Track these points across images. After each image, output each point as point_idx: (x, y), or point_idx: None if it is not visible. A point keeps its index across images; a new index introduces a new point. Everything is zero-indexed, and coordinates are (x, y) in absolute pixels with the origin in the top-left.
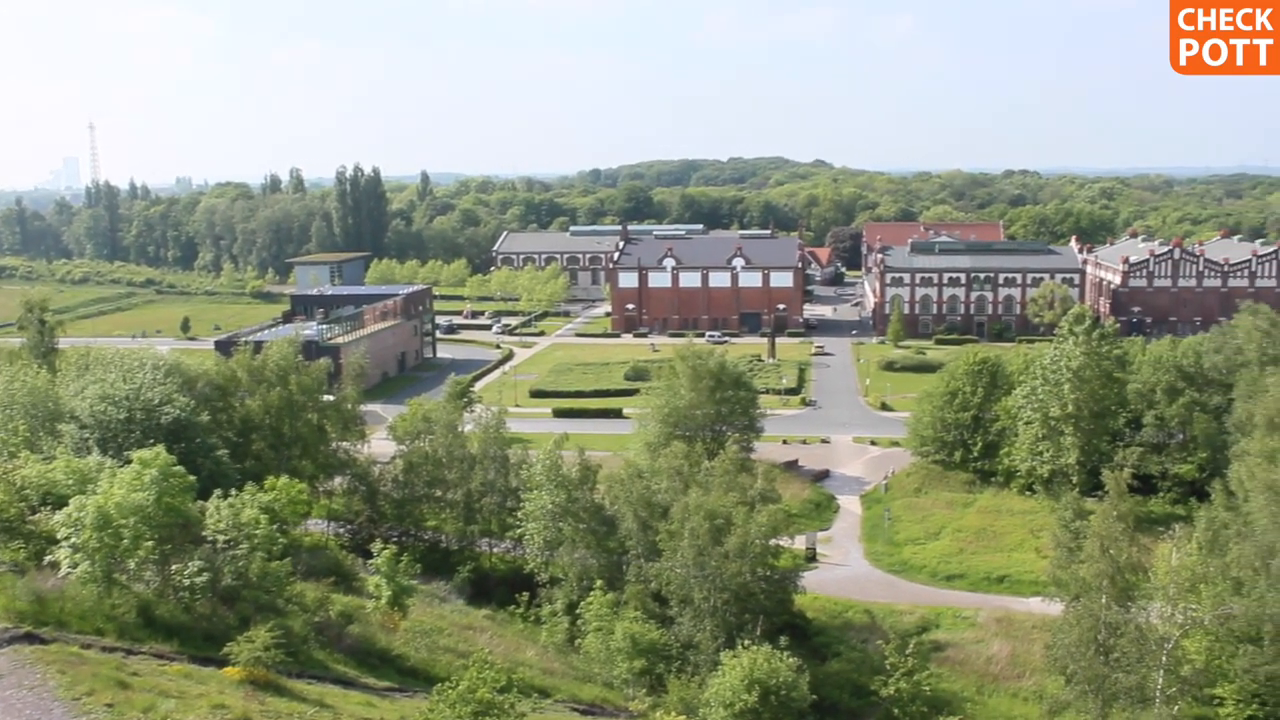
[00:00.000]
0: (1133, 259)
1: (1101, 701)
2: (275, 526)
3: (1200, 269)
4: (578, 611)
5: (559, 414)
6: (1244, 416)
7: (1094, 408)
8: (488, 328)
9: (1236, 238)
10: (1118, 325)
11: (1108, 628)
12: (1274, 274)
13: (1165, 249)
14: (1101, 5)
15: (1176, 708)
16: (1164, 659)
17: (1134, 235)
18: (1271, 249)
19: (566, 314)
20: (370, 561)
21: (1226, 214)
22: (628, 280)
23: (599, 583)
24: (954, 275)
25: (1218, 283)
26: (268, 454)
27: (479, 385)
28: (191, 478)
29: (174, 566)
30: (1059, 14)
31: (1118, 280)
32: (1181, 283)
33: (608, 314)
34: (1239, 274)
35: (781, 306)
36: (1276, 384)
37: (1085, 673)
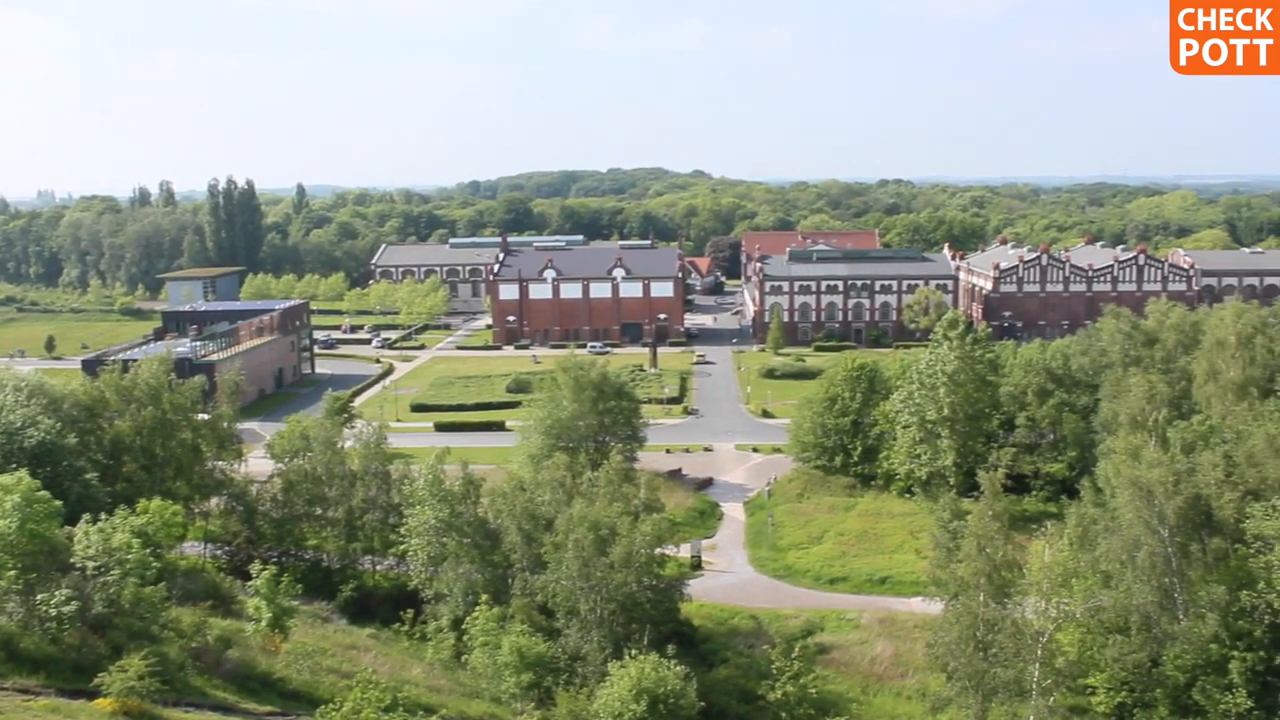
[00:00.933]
0: (1003, 265)
1: (981, 696)
2: (149, 550)
3: (1067, 274)
4: (463, 627)
5: (441, 428)
6: (1109, 416)
7: (969, 410)
8: (367, 342)
9: (1099, 244)
10: (990, 330)
11: (986, 624)
12: (1134, 278)
13: (1033, 255)
14: (970, 18)
15: (1052, 699)
16: (1039, 652)
17: (1004, 242)
18: (1131, 255)
19: (447, 327)
20: (249, 583)
21: (1090, 221)
22: (508, 292)
23: (484, 597)
24: (832, 283)
25: (1083, 287)
26: (140, 476)
27: (359, 400)
28: (57, 503)
29: (39, 596)
30: (932, 28)
31: (989, 286)
32: (1049, 288)
33: (489, 326)
34: (1102, 279)
35: (662, 316)
36: (1139, 384)
37: (965, 669)
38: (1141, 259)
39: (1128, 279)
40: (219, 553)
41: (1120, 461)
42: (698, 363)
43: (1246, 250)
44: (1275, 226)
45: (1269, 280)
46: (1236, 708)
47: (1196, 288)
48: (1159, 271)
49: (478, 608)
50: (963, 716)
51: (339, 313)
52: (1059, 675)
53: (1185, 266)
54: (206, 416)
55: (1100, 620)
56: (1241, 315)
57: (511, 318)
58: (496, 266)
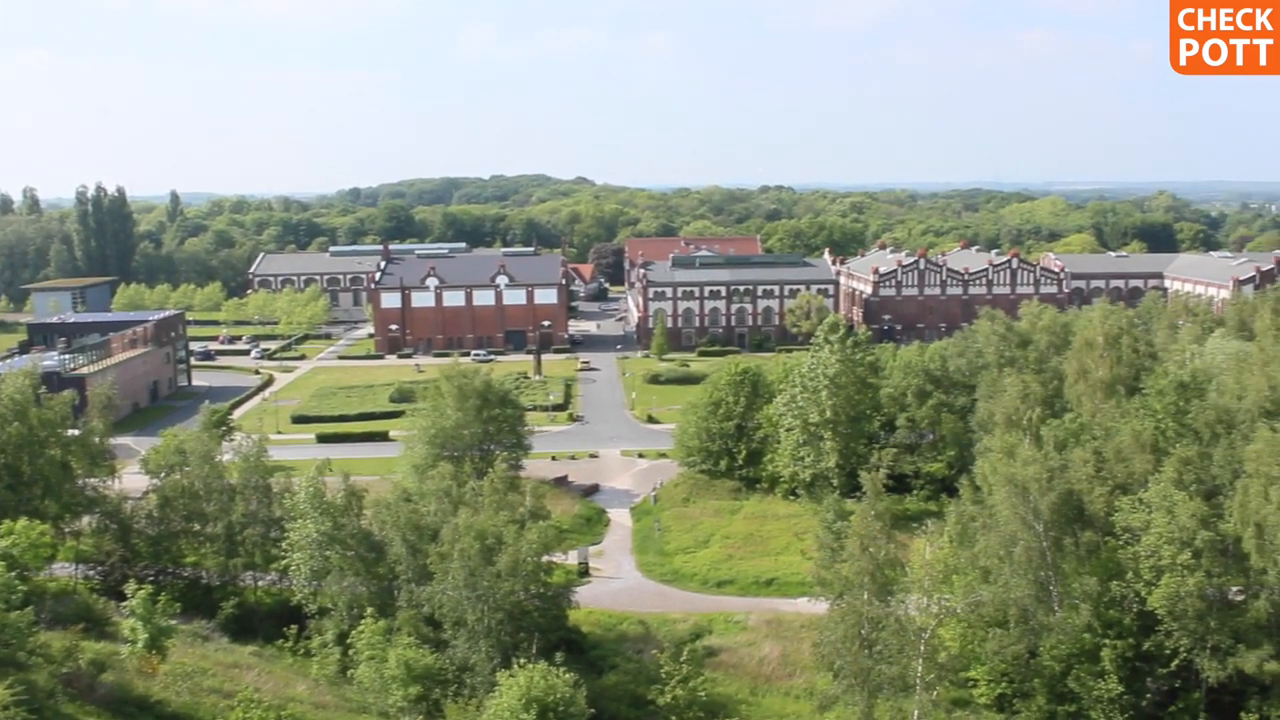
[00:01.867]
0: (882, 269)
1: (867, 693)
2: (14, 573)
3: (944, 278)
4: (349, 641)
5: (323, 439)
6: (986, 415)
7: (850, 413)
8: (246, 353)
9: (974, 248)
10: (870, 333)
11: (870, 622)
12: (1008, 281)
13: (911, 260)
14: (847, 29)
15: (935, 692)
16: (922, 648)
17: (883, 247)
18: (1005, 259)
19: (328, 336)
20: (124, 604)
21: (965, 226)
22: (390, 301)
23: (370, 610)
24: (714, 288)
25: (959, 290)
26: (5, 495)
27: (238, 413)
28: None
29: None
30: (810, 37)
31: (869, 290)
32: (927, 291)
33: (371, 335)
34: (978, 282)
35: (546, 323)
36: (1013, 384)
37: (851, 667)
38: (1015, 263)
39: (1002, 282)
40: (92, 573)
41: (997, 460)
42: (582, 369)
43: (1113, 254)
44: (1139, 231)
45: (1133, 283)
46: (1108, 693)
47: (1067, 290)
48: (1031, 275)
49: (363, 621)
50: (849, 714)
51: (216, 323)
52: (941, 669)
53: (1056, 270)
54: (77, 432)
55: (980, 614)
56: (1108, 317)
57: (394, 326)
58: (378, 275)
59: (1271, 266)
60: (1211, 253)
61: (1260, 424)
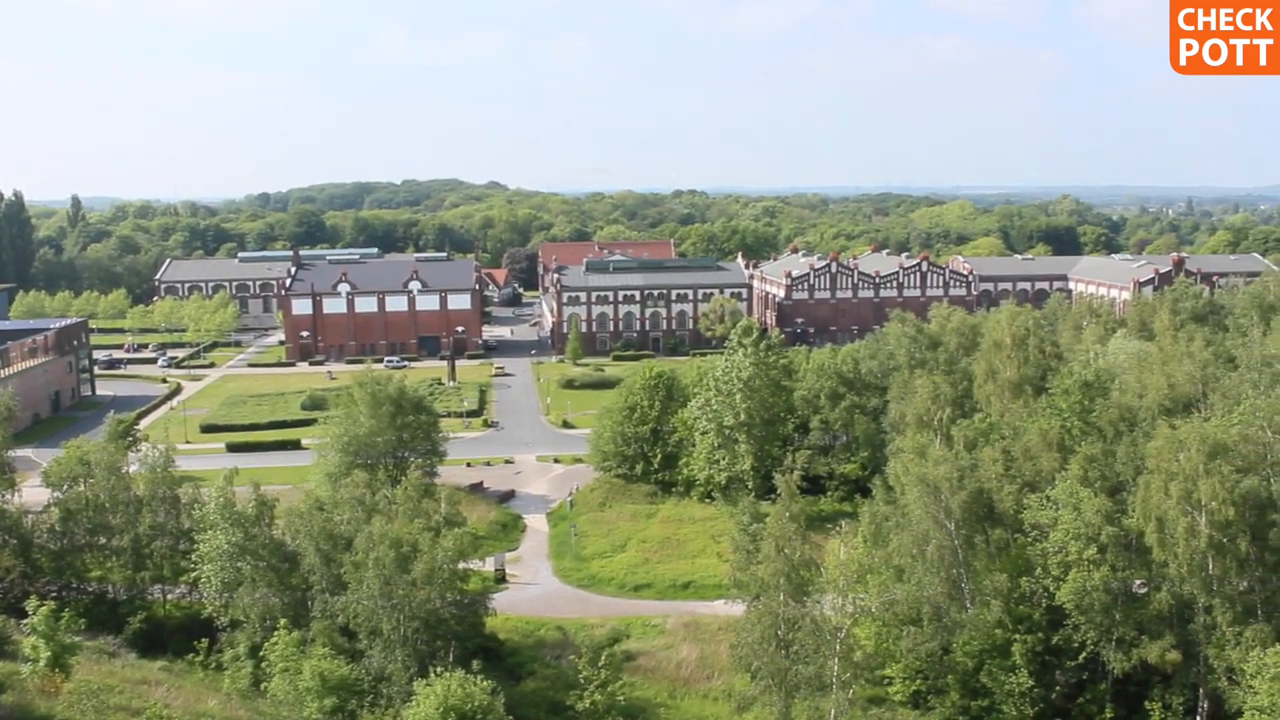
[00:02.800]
0: (795, 273)
1: (785, 693)
2: None
3: (855, 281)
4: (262, 654)
5: (233, 448)
6: (898, 416)
7: (764, 415)
8: (153, 361)
9: (885, 251)
10: (783, 336)
11: (786, 623)
12: (918, 284)
13: (824, 263)
14: (760, 32)
15: (851, 691)
16: (838, 647)
17: (795, 251)
18: (915, 262)
19: (238, 344)
20: (25, 621)
21: (876, 230)
22: (301, 307)
23: (283, 622)
24: (629, 293)
25: (871, 293)
26: None
27: (145, 422)
28: None
29: None
30: (724, 39)
31: (782, 293)
32: (839, 294)
33: (282, 342)
34: (889, 285)
35: (460, 329)
36: (924, 385)
37: (768, 667)
38: (925, 266)
39: (912, 285)
40: None
41: (909, 460)
42: (497, 375)
43: (1019, 257)
44: (1044, 234)
45: (1039, 284)
46: (1019, 687)
47: (975, 292)
48: (941, 277)
49: (276, 633)
50: (767, 714)
51: (121, 331)
52: (857, 668)
53: (964, 272)
54: None
55: (894, 613)
56: (1015, 318)
57: (305, 333)
58: (289, 281)
59: (1169, 268)
60: (1113, 255)
61: (1160, 421)
